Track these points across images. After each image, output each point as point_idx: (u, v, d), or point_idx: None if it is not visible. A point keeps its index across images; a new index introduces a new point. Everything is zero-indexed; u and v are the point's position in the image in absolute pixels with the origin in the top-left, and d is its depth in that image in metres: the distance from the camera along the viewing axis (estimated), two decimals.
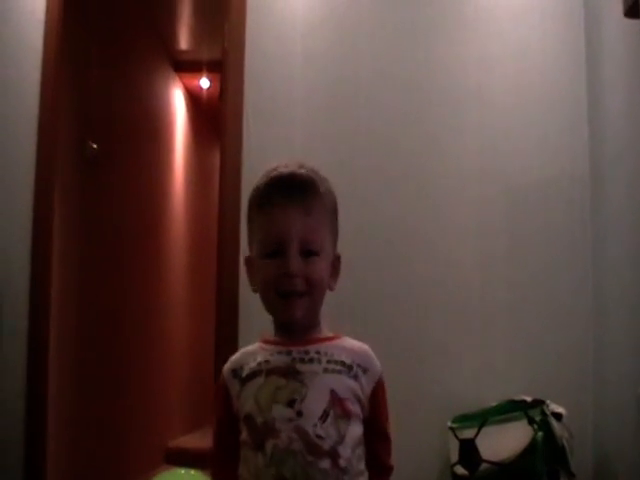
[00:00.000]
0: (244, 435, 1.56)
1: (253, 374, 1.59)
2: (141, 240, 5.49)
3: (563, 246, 3.50)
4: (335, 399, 1.53)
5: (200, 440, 5.77)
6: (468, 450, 3.06)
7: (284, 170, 1.62)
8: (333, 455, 1.50)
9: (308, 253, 1.58)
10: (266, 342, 1.65)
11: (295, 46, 3.66)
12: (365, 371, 1.60)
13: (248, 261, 1.68)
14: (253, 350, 1.66)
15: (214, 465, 1.71)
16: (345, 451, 1.52)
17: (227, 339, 3.49)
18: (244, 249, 3.49)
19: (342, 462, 1.51)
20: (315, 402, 1.52)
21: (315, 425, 1.50)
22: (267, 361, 1.59)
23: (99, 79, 4.50)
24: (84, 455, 4.21)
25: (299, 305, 1.57)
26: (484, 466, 2.98)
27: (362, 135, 3.61)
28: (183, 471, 3.01)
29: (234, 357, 1.68)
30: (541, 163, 3.56)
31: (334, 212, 1.68)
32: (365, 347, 1.66)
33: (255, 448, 1.52)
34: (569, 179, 3.52)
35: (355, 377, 1.58)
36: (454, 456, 3.12)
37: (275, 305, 1.60)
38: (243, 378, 1.60)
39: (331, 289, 1.66)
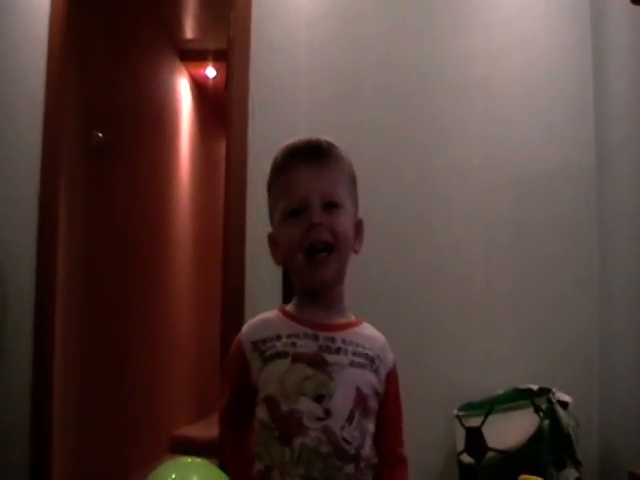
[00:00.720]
0: (263, 415, 1.55)
1: (277, 355, 1.56)
2: (147, 231, 5.49)
3: (569, 236, 3.50)
4: (360, 397, 1.54)
5: (205, 429, 5.78)
6: (474, 438, 3.07)
7: (301, 138, 1.64)
8: (357, 459, 1.52)
9: (330, 205, 1.57)
10: (287, 315, 1.63)
11: (300, 35, 3.65)
12: (381, 361, 1.61)
13: (270, 237, 1.66)
14: (274, 320, 1.64)
15: (226, 435, 1.73)
16: (366, 452, 1.54)
17: (232, 329, 3.48)
18: (250, 240, 3.53)
19: (363, 464, 1.53)
20: (343, 401, 1.52)
21: (343, 427, 1.50)
22: (293, 344, 1.56)
23: (104, 69, 4.50)
24: (90, 445, 4.22)
25: (328, 263, 1.56)
26: (490, 454, 2.99)
27: (367, 124, 3.61)
28: (189, 459, 3.01)
29: (252, 325, 1.66)
30: (547, 153, 3.56)
31: (352, 178, 1.68)
32: (382, 337, 1.67)
33: (281, 441, 1.51)
34: (575, 169, 3.52)
35: (376, 371, 1.59)
36: (460, 444, 3.12)
37: (303, 267, 1.57)
38: (266, 357, 1.57)
39: (356, 251, 1.65)
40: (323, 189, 1.57)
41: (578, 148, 3.53)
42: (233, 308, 3.52)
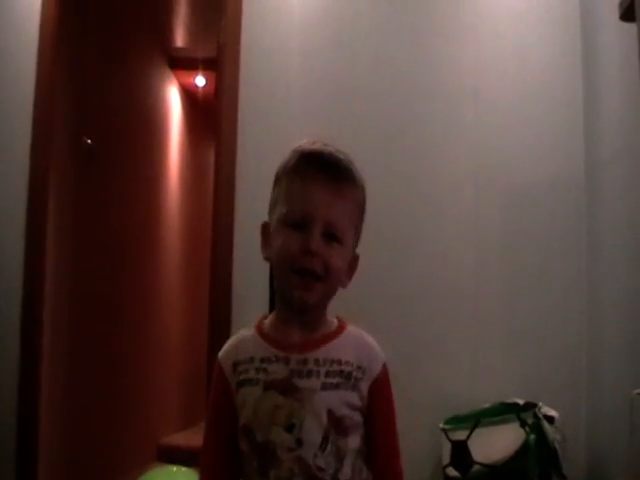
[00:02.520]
0: (244, 446, 1.53)
1: (249, 381, 1.54)
2: (135, 236, 5.48)
3: (558, 247, 3.50)
4: (332, 420, 1.49)
5: (192, 438, 5.75)
6: (460, 452, 3.05)
7: (324, 147, 1.57)
8: None
9: (331, 237, 1.52)
10: (262, 335, 1.59)
11: (291, 43, 3.65)
12: (364, 372, 1.55)
13: (264, 228, 1.60)
14: (249, 341, 1.60)
15: (206, 461, 1.65)
16: (345, 474, 1.49)
17: (220, 335, 3.48)
18: (238, 246, 3.52)
19: None
20: (313, 428, 1.48)
21: (315, 456, 1.47)
22: (265, 369, 1.53)
23: (95, 74, 4.49)
24: (76, 451, 4.20)
25: (313, 289, 1.51)
26: (476, 468, 2.98)
27: (358, 133, 3.60)
28: (175, 468, 3.00)
29: (230, 346, 1.62)
30: (537, 163, 3.56)
31: (362, 208, 1.62)
32: (368, 341, 1.61)
33: (260, 472, 1.49)
34: (565, 179, 3.52)
35: (353, 387, 1.53)
36: (446, 458, 3.11)
37: (290, 281, 1.52)
38: (239, 381, 1.55)
39: (344, 286, 1.59)
40: (329, 217, 1.51)
41: (568, 159, 3.53)
42: (221, 315, 3.52)
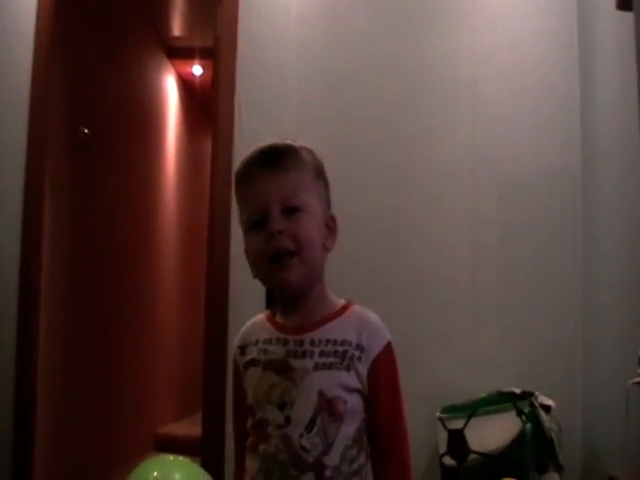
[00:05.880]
0: (249, 424, 1.58)
1: (252, 362, 1.58)
2: (132, 228, 5.47)
3: (554, 239, 3.51)
4: (323, 402, 1.50)
5: (189, 427, 5.77)
6: (456, 441, 3.06)
7: (263, 144, 1.60)
8: (318, 468, 1.48)
9: (290, 210, 1.53)
10: (270, 319, 1.64)
11: (288, 33, 3.64)
12: (362, 350, 1.54)
13: (245, 250, 1.62)
14: (259, 325, 1.64)
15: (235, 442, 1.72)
16: (332, 460, 1.49)
17: (217, 327, 3.49)
18: (235, 238, 3.52)
19: (328, 472, 1.48)
20: (302, 408, 1.50)
21: (301, 435, 1.48)
22: (265, 350, 1.57)
23: (91, 65, 4.48)
24: (73, 441, 4.20)
25: (290, 266, 1.51)
26: (472, 457, 2.99)
27: (355, 124, 3.61)
28: (172, 457, 2.99)
29: (243, 329, 1.68)
30: (533, 155, 3.56)
31: (319, 175, 1.62)
32: (370, 319, 1.60)
33: (253, 448, 1.54)
34: (561, 172, 3.53)
35: (348, 367, 1.52)
36: (442, 446, 3.12)
37: (268, 273, 1.54)
38: (245, 363, 1.60)
39: (327, 249, 1.60)
40: (281, 195, 1.53)
41: (564, 151, 3.53)
42: (217, 306, 3.53)
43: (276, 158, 1.57)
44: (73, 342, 4.25)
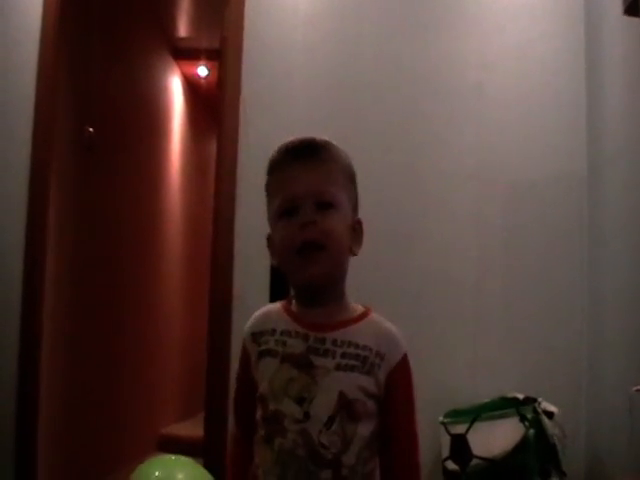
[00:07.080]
0: (258, 414, 1.57)
1: (269, 352, 1.57)
2: (136, 228, 5.48)
3: (560, 243, 3.50)
4: (343, 402, 1.50)
5: (193, 428, 5.76)
6: (459, 445, 3.05)
7: (296, 137, 1.61)
8: (335, 465, 1.49)
9: (323, 205, 1.54)
10: (287, 310, 1.63)
11: (295, 34, 3.64)
12: (382, 358, 1.55)
13: (268, 239, 1.63)
14: (274, 314, 1.64)
15: (235, 430, 1.74)
16: (349, 459, 1.50)
17: (220, 328, 3.49)
18: (239, 238, 3.51)
19: (344, 471, 1.49)
20: (323, 405, 1.50)
21: (320, 432, 1.49)
22: (284, 342, 1.56)
23: (97, 64, 4.49)
24: (76, 441, 4.21)
25: (316, 259, 1.52)
26: (475, 462, 2.98)
27: (361, 126, 3.59)
28: (174, 457, 3.00)
29: (255, 317, 1.67)
30: (539, 159, 3.55)
31: (350, 177, 1.65)
32: (390, 329, 1.62)
33: (266, 440, 1.53)
34: (567, 176, 3.52)
35: (369, 372, 1.53)
36: (445, 451, 3.11)
37: (294, 264, 1.54)
38: (260, 351, 1.59)
39: (354, 253, 1.61)
40: (316, 188, 1.54)
41: (571, 156, 3.52)
42: (221, 306, 3.53)
43: (312, 150, 1.58)
44: (77, 342, 4.26)
